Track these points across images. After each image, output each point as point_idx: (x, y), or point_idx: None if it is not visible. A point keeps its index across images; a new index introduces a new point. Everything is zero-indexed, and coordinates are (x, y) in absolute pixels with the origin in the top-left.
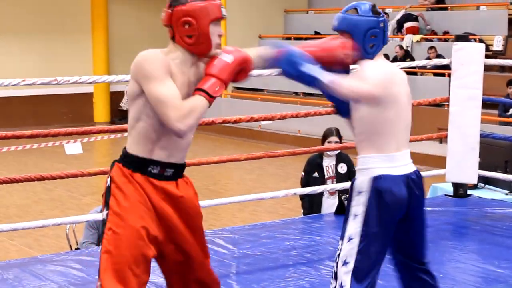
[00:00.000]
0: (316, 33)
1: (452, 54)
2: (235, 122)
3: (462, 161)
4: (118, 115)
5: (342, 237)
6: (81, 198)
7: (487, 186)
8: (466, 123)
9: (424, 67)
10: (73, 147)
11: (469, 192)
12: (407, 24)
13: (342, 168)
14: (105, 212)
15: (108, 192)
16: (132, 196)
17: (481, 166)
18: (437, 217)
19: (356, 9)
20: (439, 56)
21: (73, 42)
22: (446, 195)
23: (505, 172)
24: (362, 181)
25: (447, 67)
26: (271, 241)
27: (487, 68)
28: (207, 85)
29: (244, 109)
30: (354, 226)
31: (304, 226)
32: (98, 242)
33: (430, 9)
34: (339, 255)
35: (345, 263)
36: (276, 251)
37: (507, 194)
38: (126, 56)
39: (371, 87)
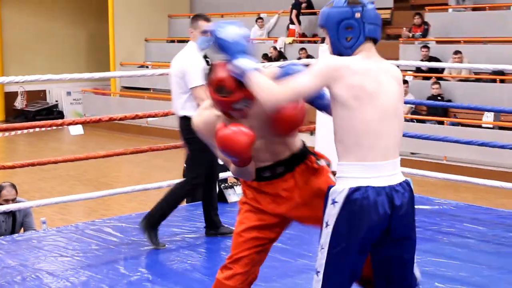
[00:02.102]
0: None
1: (318, 55)
2: (121, 119)
3: (328, 151)
4: (13, 114)
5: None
6: None
7: None
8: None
9: None
10: None
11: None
12: (291, 27)
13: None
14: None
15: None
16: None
17: None
18: None
19: (332, 2)
20: (309, 56)
21: None
22: None
23: None
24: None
25: None
26: None
27: None
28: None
29: (133, 107)
30: (325, 236)
31: (187, 214)
32: None
33: (301, 14)
34: (316, 261)
35: (317, 272)
36: (161, 237)
37: None
38: (20, 58)
39: (307, 79)
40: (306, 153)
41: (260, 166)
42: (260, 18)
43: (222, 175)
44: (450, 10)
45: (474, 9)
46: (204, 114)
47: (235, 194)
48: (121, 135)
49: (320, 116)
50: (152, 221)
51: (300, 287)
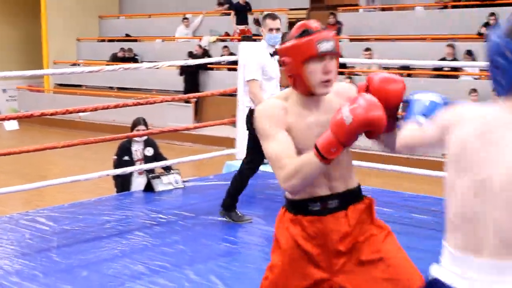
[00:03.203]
0: (127, 35)
1: (238, 52)
2: (52, 114)
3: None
4: None
5: None
6: None
7: None
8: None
9: (218, 63)
10: None
11: None
12: (240, 27)
13: (149, 151)
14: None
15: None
16: (287, 250)
17: None
18: None
19: None
20: (231, 54)
21: None
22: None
23: None
24: None
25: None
26: (88, 217)
27: None
28: (323, 143)
29: (66, 103)
30: None
31: (117, 203)
32: None
33: (224, 14)
34: None
35: None
36: (93, 225)
37: None
38: None
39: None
40: (361, 194)
41: (309, 196)
42: (186, 18)
43: (149, 166)
44: (361, 10)
45: (383, 9)
46: (269, 104)
47: (162, 184)
48: (56, 130)
49: (240, 109)
50: (227, 206)
51: (222, 268)
